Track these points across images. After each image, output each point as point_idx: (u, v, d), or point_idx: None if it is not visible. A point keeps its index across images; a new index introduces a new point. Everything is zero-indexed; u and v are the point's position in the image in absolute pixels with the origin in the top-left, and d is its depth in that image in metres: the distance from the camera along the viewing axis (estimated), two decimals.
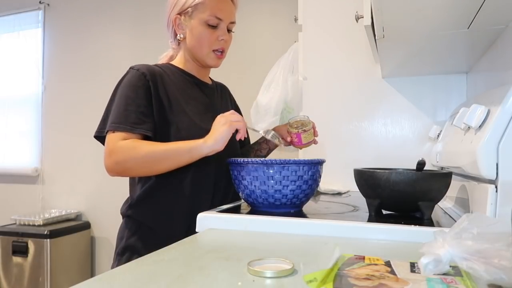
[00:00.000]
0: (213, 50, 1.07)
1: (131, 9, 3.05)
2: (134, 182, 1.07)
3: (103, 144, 0.99)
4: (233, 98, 1.32)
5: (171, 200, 1.01)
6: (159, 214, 1.02)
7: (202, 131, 0.96)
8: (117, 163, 0.94)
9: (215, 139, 0.91)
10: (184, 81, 1.09)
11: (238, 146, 1.19)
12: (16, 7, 3.35)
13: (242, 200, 1.00)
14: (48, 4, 3.28)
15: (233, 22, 1.10)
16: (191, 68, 1.13)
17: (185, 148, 0.93)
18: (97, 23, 3.14)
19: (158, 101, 1.01)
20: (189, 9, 1.05)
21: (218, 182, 1.06)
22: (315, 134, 1.22)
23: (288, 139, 1.18)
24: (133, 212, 1.03)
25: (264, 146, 1.28)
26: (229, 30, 1.10)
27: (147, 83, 1.00)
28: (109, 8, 3.11)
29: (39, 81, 3.28)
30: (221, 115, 0.95)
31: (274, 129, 1.19)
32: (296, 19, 1.67)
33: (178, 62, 1.13)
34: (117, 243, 1.06)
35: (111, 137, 0.96)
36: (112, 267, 1.02)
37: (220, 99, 1.21)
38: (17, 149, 3.35)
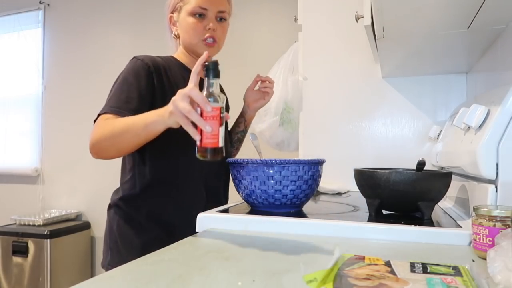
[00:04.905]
0: (203, 40, 1.08)
1: (131, 9, 3.04)
2: (125, 172, 1.07)
3: None
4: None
5: (165, 200, 1.04)
6: (153, 212, 1.03)
7: None
8: (93, 144, 0.92)
9: (164, 118, 0.79)
10: (184, 77, 1.09)
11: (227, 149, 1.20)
12: (16, 7, 3.35)
13: (242, 200, 1.00)
14: (48, 4, 3.28)
15: (222, 11, 1.10)
16: (189, 62, 1.13)
17: (142, 123, 0.85)
18: (97, 23, 3.14)
19: (162, 93, 1.02)
20: (179, 4, 1.10)
21: (209, 183, 1.09)
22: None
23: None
24: (125, 204, 1.05)
25: (240, 120, 1.29)
26: (221, 19, 1.10)
27: (151, 74, 1.01)
28: (109, 8, 3.11)
29: (39, 81, 3.28)
30: (179, 91, 0.76)
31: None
32: (296, 19, 1.67)
33: (178, 55, 1.15)
34: (108, 234, 1.06)
35: (98, 119, 0.95)
36: (104, 262, 1.05)
37: None
38: (17, 149, 3.35)
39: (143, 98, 0.98)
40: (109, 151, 0.92)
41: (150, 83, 1.01)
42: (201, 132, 0.71)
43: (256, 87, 1.23)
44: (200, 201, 1.06)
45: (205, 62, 0.75)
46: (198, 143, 0.72)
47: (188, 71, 1.11)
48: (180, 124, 0.75)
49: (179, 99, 0.73)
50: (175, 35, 1.14)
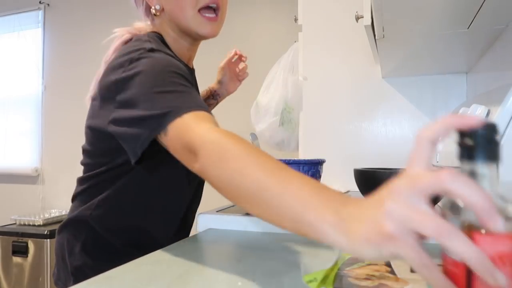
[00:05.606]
0: (200, 11, 0.76)
1: (131, 9, 3.04)
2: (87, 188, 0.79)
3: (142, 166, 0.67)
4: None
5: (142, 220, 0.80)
6: (132, 238, 0.79)
7: None
8: (201, 170, 0.53)
9: (353, 240, 0.33)
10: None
11: None
12: (16, 7, 3.35)
13: None
14: (48, 4, 3.28)
15: None
16: (178, 49, 0.82)
17: (292, 213, 0.39)
18: (97, 23, 3.14)
19: None
20: None
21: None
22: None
23: None
24: (93, 225, 0.77)
25: (211, 102, 1.11)
26: None
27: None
28: (109, 8, 3.11)
29: (39, 81, 3.28)
30: (394, 199, 0.32)
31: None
32: (296, 19, 1.67)
33: (166, 40, 0.82)
34: (67, 257, 0.78)
35: (182, 122, 0.56)
36: None
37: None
38: (17, 149, 3.35)
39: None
40: (221, 192, 0.50)
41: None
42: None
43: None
44: (186, 226, 0.88)
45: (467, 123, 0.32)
46: None
47: (183, 64, 0.79)
48: (386, 258, 0.32)
49: (408, 202, 0.31)
50: (155, 10, 0.80)
